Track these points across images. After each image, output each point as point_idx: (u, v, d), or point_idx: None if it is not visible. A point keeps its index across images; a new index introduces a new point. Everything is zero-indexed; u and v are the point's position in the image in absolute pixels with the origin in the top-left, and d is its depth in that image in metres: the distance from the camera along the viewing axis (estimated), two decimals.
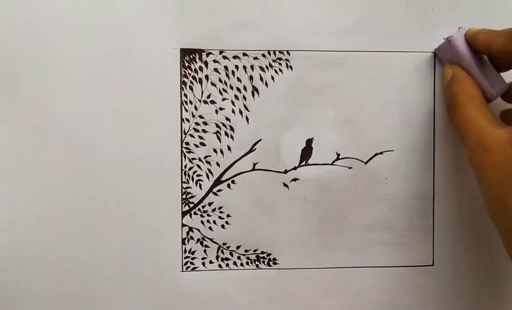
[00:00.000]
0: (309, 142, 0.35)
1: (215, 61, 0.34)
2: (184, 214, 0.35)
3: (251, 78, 0.35)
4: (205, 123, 0.35)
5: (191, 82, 0.34)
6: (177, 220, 0.35)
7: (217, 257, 0.35)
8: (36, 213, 0.34)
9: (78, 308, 0.35)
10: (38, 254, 0.34)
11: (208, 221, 0.35)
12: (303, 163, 0.35)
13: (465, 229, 0.36)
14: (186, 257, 0.35)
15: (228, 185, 0.35)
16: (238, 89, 0.35)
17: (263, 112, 0.35)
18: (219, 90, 0.34)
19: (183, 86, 0.34)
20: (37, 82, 0.33)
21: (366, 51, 0.35)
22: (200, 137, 0.35)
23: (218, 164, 0.35)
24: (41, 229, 0.34)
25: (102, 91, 0.34)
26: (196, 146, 0.35)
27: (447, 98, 0.32)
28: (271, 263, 0.36)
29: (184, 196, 0.35)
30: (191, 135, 0.35)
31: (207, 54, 0.34)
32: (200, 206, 0.35)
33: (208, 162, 0.35)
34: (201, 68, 0.34)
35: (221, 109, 0.35)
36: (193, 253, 0.35)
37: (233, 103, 0.35)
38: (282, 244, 0.35)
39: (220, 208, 0.35)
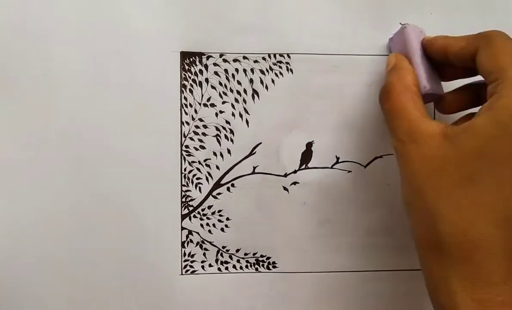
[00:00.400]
0: (309, 145, 0.35)
1: (215, 64, 0.34)
2: (183, 217, 0.35)
3: (251, 81, 0.35)
4: (205, 126, 0.34)
5: (191, 85, 0.34)
6: (177, 223, 0.35)
7: (216, 260, 0.35)
8: (36, 216, 0.34)
9: None
10: (38, 257, 0.34)
11: (207, 224, 0.35)
12: (303, 166, 0.35)
13: None
14: (185, 260, 0.35)
15: (228, 189, 0.35)
16: (238, 92, 0.35)
17: (263, 115, 0.35)
18: (219, 93, 0.34)
19: (183, 89, 0.34)
20: (36, 85, 0.33)
21: (366, 54, 0.35)
22: (200, 140, 0.35)
23: (218, 167, 0.35)
24: (41, 232, 0.34)
25: (102, 94, 0.34)
26: (196, 149, 0.35)
27: (383, 85, 0.31)
28: (270, 266, 0.35)
29: (183, 199, 0.35)
30: (191, 138, 0.34)
31: (207, 57, 0.34)
32: (199, 209, 0.35)
33: (208, 165, 0.35)
34: (201, 71, 0.34)
35: (221, 112, 0.35)
36: (192, 256, 0.35)
37: (233, 106, 0.35)
38: (281, 247, 0.35)
39: (219, 211, 0.35)
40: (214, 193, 0.35)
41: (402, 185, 0.29)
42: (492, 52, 0.27)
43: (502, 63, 0.27)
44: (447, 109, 0.33)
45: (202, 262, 0.35)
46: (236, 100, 0.35)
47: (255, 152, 0.35)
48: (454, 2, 0.35)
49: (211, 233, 0.35)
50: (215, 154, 0.35)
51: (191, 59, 0.34)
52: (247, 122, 0.35)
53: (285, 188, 0.35)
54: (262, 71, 0.34)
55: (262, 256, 0.35)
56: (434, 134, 0.27)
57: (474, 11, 0.35)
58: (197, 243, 0.35)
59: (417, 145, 0.27)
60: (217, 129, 0.35)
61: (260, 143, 0.35)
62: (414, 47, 0.32)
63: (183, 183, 0.35)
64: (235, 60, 0.34)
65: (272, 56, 0.34)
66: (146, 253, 0.35)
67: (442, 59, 0.31)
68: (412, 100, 0.29)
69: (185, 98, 0.34)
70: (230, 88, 0.34)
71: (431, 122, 0.28)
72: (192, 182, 0.35)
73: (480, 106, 0.27)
